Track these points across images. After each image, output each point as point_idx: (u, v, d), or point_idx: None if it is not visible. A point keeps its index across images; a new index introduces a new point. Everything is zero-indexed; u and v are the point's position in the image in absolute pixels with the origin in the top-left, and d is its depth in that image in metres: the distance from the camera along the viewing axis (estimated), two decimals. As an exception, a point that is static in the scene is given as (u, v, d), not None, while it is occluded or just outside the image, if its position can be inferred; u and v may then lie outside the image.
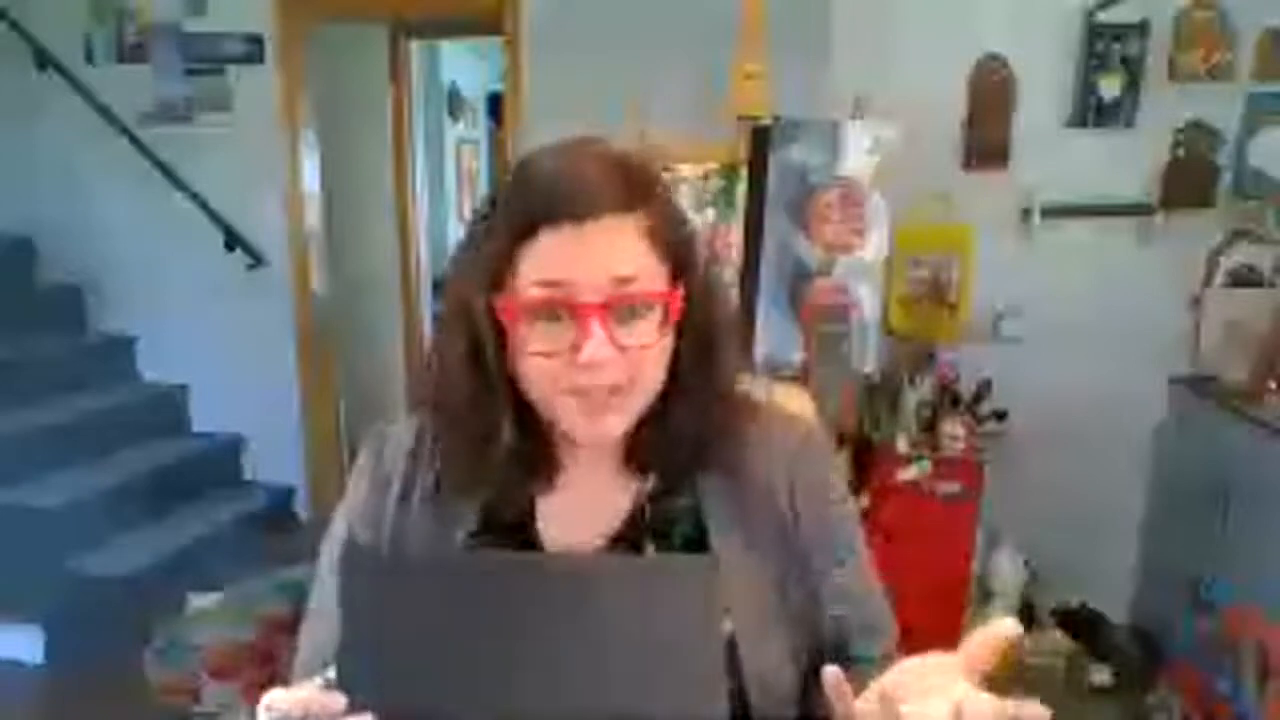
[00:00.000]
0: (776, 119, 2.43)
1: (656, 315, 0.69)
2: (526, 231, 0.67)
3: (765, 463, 0.79)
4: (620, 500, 0.78)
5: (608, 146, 0.72)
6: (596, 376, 0.68)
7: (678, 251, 0.72)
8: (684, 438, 0.75)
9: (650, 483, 0.78)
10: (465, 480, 0.76)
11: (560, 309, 0.67)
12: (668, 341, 0.72)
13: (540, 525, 0.78)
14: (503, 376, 0.72)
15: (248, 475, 3.68)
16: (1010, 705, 0.52)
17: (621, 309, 0.67)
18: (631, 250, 0.68)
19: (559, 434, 0.75)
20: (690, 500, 0.78)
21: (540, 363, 0.69)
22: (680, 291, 0.71)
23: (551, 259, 0.67)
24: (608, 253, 0.67)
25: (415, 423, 0.81)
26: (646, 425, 0.74)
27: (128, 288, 3.64)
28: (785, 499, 0.79)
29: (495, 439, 0.73)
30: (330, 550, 0.83)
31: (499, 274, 0.69)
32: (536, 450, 0.75)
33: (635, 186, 0.69)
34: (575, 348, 0.67)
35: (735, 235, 2.42)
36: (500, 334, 0.70)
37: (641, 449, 0.76)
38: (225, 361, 3.60)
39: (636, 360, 0.69)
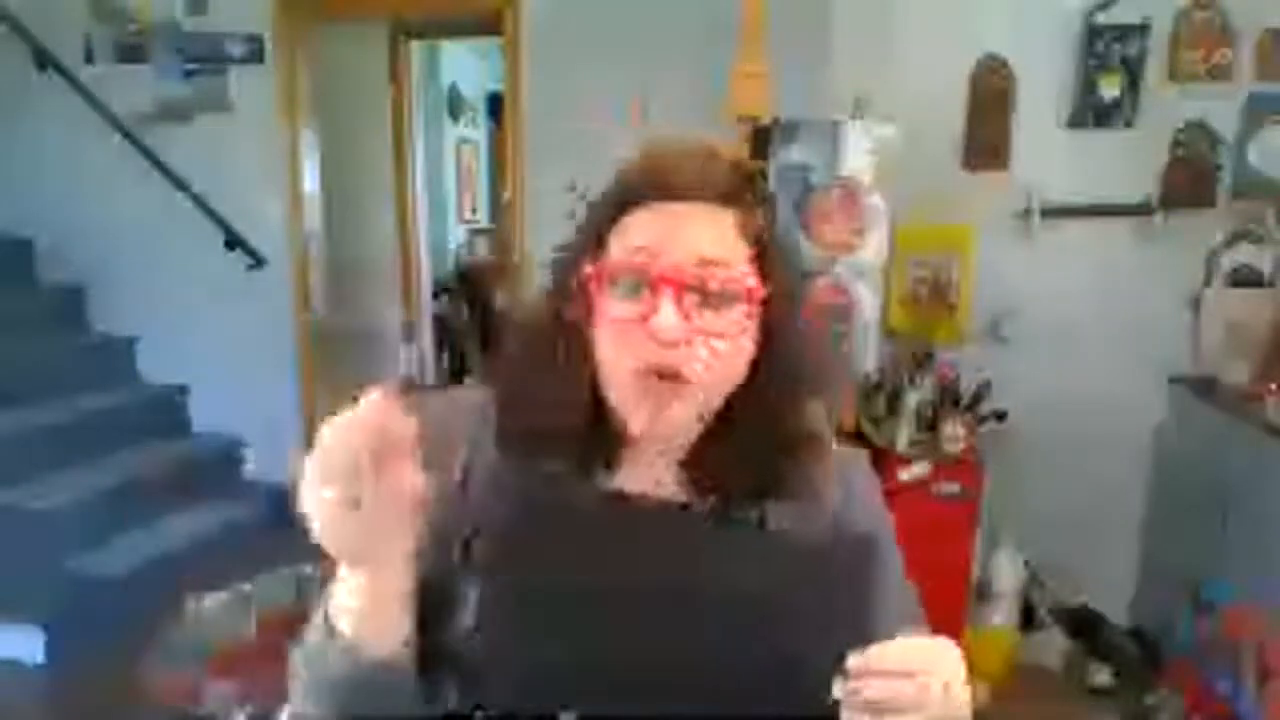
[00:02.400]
0: (776, 119, 2.43)
1: (739, 309, 0.69)
2: (627, 205, 0.70)
3: (825, 501, 0.77)
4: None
5: (723, 149, 0.74)
6: (664, 352, 0.67)
7: (769, 263, 0.71)
8: (747, 460, 0.73)
9: (709, 504, 0.76)
10: (527, 451, 0.74)
11: (641, 278, 0.68)
12: (744, 345, 0.71)
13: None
14: (585, 348, 0.72)
15: (248, 475, 3.68)
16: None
17: (700, 291, 0.68)
18: (722, 237, 0.69)
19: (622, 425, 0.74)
20: (754, 516, 0.76)
21: (615, 330, 0.69)
22: (763, 291, 0.70)
23: (642, 229, 0.69)
24: (697, 232, 0.68)
25: (471, 400, 0.80)
26: (712, 441, 0.74)
27: (128, 288, 3.64)
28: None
29: (566, 407, 0.72)
30: None
31: (598, 243, 0.71)
32: (602, 421, 0.74)
33: (738, 185, 0.71)
34: (647, 317, 0.67)
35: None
36: (589, 307, 0.71)
37: (704, 464, 0.75)
38: (225, 361, 3.60)
39: (707, 351, 0.68)
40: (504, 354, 0.78)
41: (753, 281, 0.70)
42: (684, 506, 0.75)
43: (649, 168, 0.71)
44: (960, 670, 0.61)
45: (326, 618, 0.66)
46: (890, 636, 0.66)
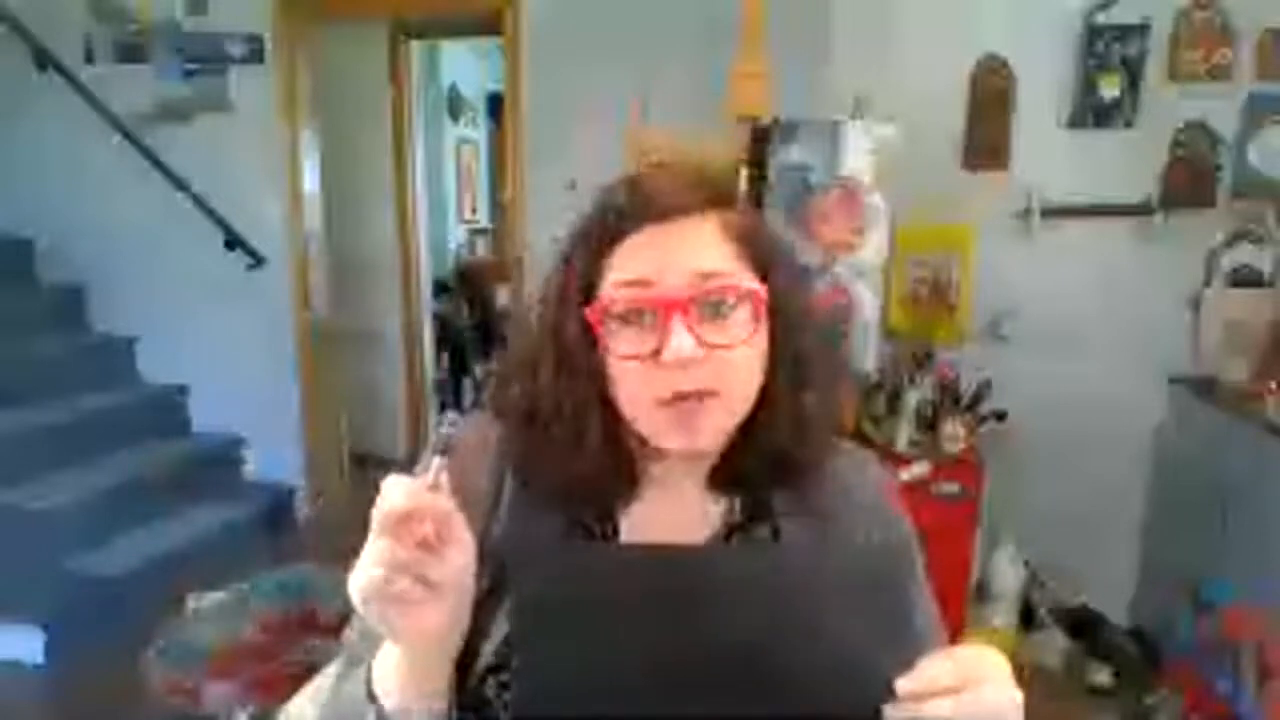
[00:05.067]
0: (776, 119, 2.43)
1: (745, 313, 0.68)
2: (611, 240, 0.69)
3: (845, 506, 0.77)
4: (702, 521, 0.77)
5: (689, 164, 0.74)
6: (684, 379, 0.66)
7: (762, 255, 0.71)
8: (767, 457, 0.73)
9: (735, 508, 0.76)
10: (550, 488, 0.74)
11: (644, 308, 0.67)
12: (760, 347, 0.70)
13: (624, 540, 0.76)
14: (593, 387, 0.71)
15: (248, 475, 3.68)
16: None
17: (706, 305, 0.67)
18: (714, 247, 0.68)
19: (647, 448, 0.73)
20: (769, 530, 0.77)
21: (629, 368, 0.68)
22: (766, 289, 0.69)
23: (634, 260, 0.68)
24: (689, 249, 0.67)
25: (494, 434, 0.78)
26: (732, 444, 0.74)
27: (128, 288, 3.64)
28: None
29: (582, 447, 0.72)
30: None
31: (589, 285, 0.70)
32: (620, 459, 0.74)
33: (713, 190, 0.70)
34: (660, 349, 0.66)
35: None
36: (593, 344, 0.70)
37: (726, 467, 0.75)
38: (225, 361, 3.60)
39: (725, 362, 0.67)
40: (507, 398, 0.76)
41: (751, 281, 0.69)
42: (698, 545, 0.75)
43: (627, 195, 0.70)
44: (1006, 673, 0.60)
45: (369, 688, 0.65)
46: (924, 642, 0.66)
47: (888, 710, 0.58)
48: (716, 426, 0.70)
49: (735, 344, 0.67)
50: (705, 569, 0.68)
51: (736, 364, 0.68)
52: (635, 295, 0.67)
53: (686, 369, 0.66)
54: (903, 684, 0.57)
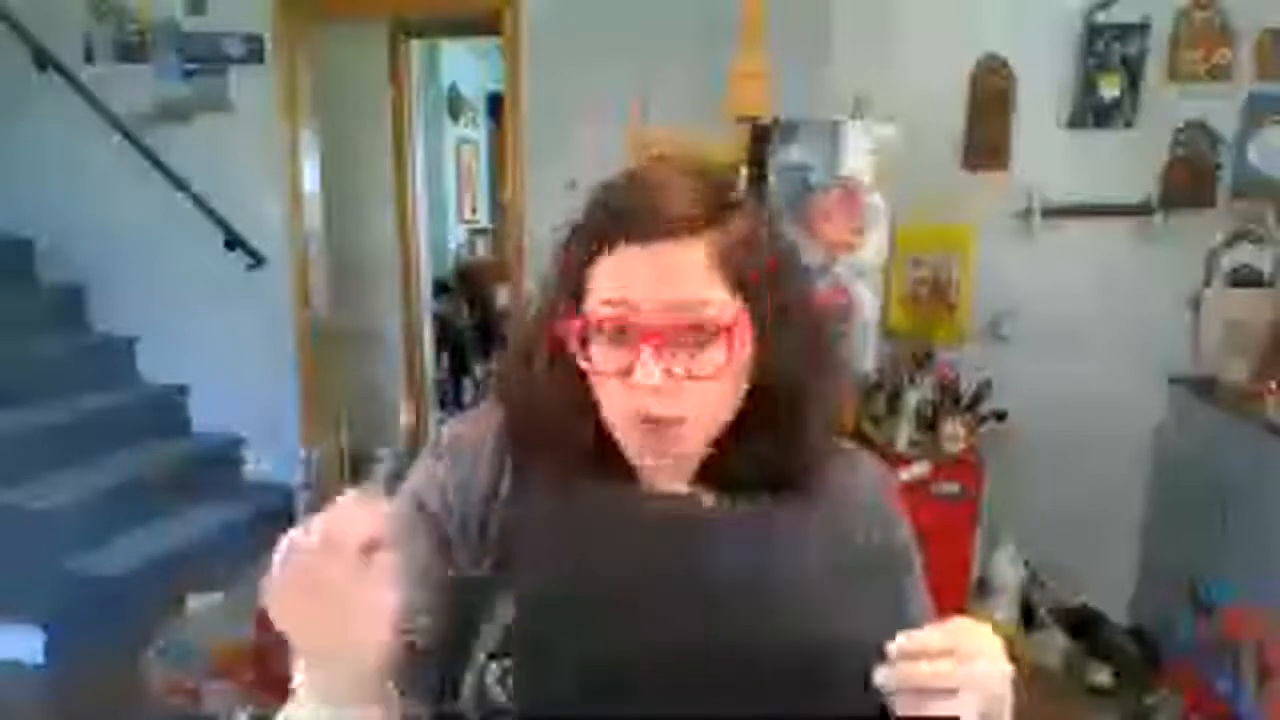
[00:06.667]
0: (776, 119, 2.43)
1: (720, 345, 0.67)
2: (599, 249, 0.68)
3: (843, 506, 0.77)
4: None
5: (692, 163, 0.72)
6: (653, 403, 0.67)
7: (749, 278, 0.69)
8: (757, 463, 0.73)
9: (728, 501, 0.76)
10: (547, 477, 0.74)
11: (622, 329, 0.67)
12: (736, 378, 0.70)
13: None
14: (585, 382, 0.72)
15: (248, 475, 3.68)
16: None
17: (680, 337, 0.66)
18: (696, 277, 0.67)
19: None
20: None
21: (605, 383, 0.69)
22: (745, 322, 0.69)
23: (617, 278, 0.67)
24: (670, 277, 0.66)
25: (494, 425, 0.79)
26: (721, 446, 0.74)
27: (128, 288, 3.64)
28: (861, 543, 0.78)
29: (574, 439, 0.73)
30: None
31: (577, 289, 0.70)
32: (613, 453, 0.74)
33: (710, 207, 0.68)
34: (628, 372, 0.67)
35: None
36: (583, 344, 0.71)
37: (715, 467, 0.75)
38: (225, 361, 3.60)
39: (696, 391, 0.68)
40: (507, 387, 0.78)
41: (732, 313, 0.68)
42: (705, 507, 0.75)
43: (620, 206, 0.69)
44: (998, 647, 0.61)
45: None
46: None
47: (878, 674, 0.58)
48: (684, 450, 0.71)
49: (707, 376, 0.67)
50: (705, 531, 0.69)
51: (707, 393, 0.69)
52: (614, 315, 0.67)
53: (656, 394, 0.67)
54: (898, 641, 0.58)
